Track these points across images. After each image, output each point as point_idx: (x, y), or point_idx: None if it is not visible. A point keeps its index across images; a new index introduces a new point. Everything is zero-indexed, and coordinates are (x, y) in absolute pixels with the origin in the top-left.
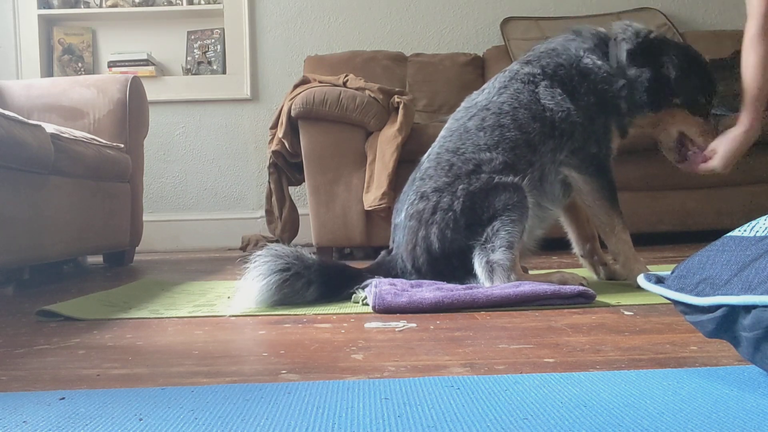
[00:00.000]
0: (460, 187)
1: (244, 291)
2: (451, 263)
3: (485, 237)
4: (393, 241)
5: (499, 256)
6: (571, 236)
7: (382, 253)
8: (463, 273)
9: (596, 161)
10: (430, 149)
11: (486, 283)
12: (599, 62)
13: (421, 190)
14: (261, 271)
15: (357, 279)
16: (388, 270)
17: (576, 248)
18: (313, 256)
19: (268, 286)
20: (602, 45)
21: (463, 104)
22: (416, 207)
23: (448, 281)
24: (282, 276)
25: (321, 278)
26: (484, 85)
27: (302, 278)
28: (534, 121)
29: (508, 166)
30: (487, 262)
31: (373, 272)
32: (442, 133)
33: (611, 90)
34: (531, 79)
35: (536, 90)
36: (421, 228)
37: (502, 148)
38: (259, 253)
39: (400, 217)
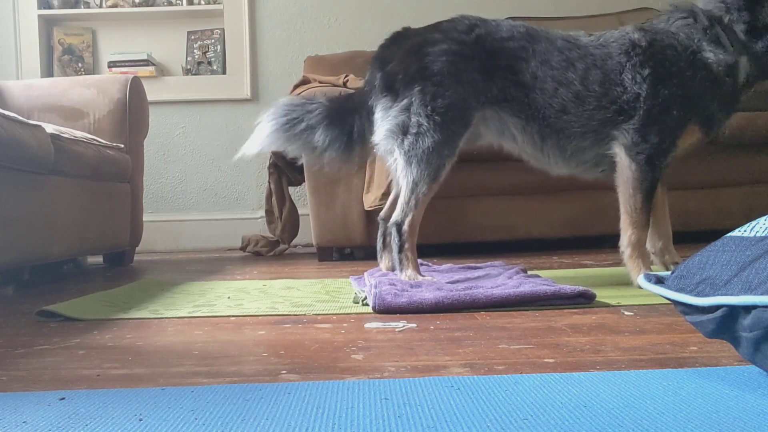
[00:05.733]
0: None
1: (253, 137)
2: None
3: None
4: None
5: None
6: None
7: None
8: None
9: (650, 151)
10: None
11: None
12: (721, 56)
13: None
14: (264, 119)
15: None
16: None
17: (648, 244)
18: (322, 101)
19: (272, 127)
20: (712, 29)
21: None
22: None
23: None
24: (281, 120)
25: (324, 121)
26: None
27: (302, 123)
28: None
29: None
30: None
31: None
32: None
33: (722, 84)
34: (629, 50)
35: (625, 63)
36: None
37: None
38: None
39: None
